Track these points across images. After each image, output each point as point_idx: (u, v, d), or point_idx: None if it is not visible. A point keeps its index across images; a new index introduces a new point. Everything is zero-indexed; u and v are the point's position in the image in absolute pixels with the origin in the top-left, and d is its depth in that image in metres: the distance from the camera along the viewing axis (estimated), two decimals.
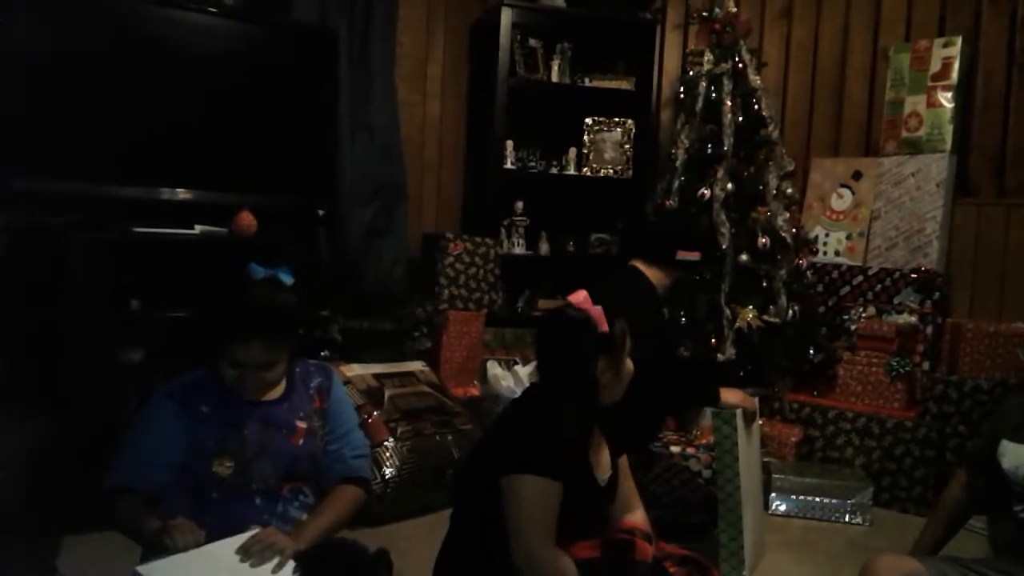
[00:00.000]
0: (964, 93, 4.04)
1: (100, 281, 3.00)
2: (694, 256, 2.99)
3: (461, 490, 1.99)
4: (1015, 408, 2.21)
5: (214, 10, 3.47)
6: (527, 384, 2.85)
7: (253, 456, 1.87)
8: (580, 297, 1.96)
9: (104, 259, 3.00)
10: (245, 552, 1.70)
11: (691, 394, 2.88)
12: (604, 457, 1.98)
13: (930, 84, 4.05)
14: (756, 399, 2.81)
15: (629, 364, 1.93)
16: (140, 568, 1.65)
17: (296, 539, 1.79)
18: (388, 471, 3.15)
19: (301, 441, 1.95)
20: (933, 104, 4.04)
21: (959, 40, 4.00)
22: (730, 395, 2.70)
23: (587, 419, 1.91)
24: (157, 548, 1.68)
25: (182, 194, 3.32)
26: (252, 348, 1.83)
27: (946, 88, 4.01)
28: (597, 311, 1.89)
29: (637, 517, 2.03)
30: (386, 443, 3.20)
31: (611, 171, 4.61)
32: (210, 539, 1.71)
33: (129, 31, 3.21)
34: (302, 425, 1.96)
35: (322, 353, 3.48)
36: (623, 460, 2.07)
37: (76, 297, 2.97)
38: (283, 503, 1.92)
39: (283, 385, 1.99)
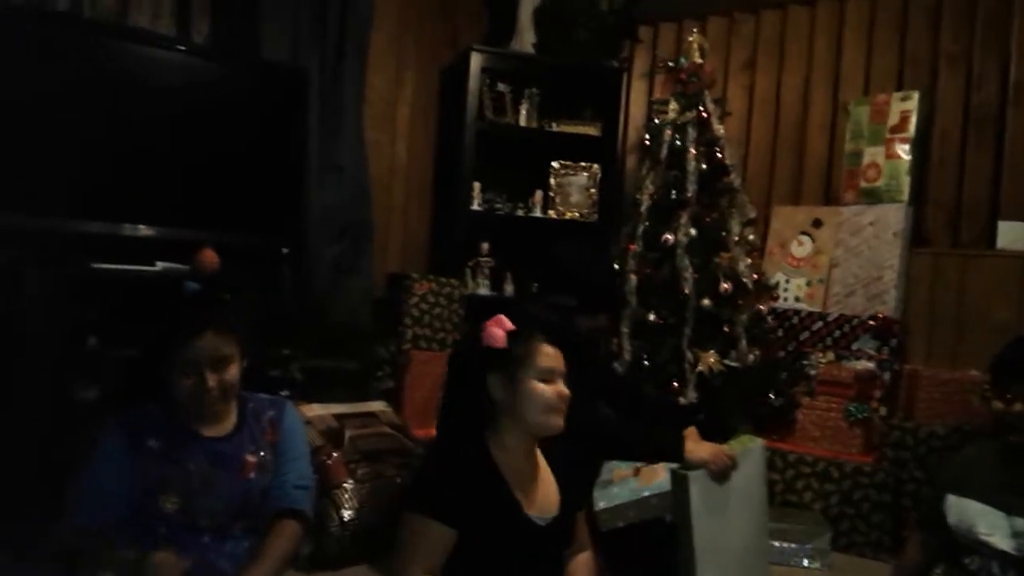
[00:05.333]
0: (921, 146, 4.14)
1: (57, 318, 2.96)
2: (567, 300, 2.75)
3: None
4: (956, 462, 2.25)
5: (183, 48, 3.48)
6: None
7: (198, 491, 1.86)
8: (493, 318, 1.93)
9: (62, 295, 2.97)
10: None
11: (650, 450, 2.67)
12: (546, 495, 1.91)
13: (888, 136, 4.15)
14: (746, 447, 2.60)
15: (536, 386, 1.85)
16: None
17: None
18: (347, 513, 3.11)
19: (252, 475, 1.94)
20: (891, 156, 4.14)
21: (916, 95, 4.11)
22: (699, 449, 2.45)
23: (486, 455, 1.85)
24: None
25: (144, 230, 3.30)
26: (204, 341, 1.85)
27: (904, 140, 4.11)
28: (493, 328, 1.87)
29: (578, 564, 2.01)
30: (345, 484, 3.17)
31: (577, 214, 4.65)
32: None
33: (97, 67, 3.20)
34: (251, 459, 1.96)
35: (282, 392, 3.45)
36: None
37: (32, 334, 2.93)
38: (233, 542, 1.90)
39: (233, 420, 1.99)
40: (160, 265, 3.28)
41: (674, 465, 2.48)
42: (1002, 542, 2.01)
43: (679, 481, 2.43)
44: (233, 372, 1.93)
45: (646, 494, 2.85)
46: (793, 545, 3.38)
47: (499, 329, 1.88)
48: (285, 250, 3.75)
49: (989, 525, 2.04)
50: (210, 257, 3.33)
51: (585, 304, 2.79)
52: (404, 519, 1.76)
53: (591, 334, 2.99)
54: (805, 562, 3.36)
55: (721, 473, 2.46)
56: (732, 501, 2.55)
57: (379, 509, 3.20)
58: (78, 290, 3.03)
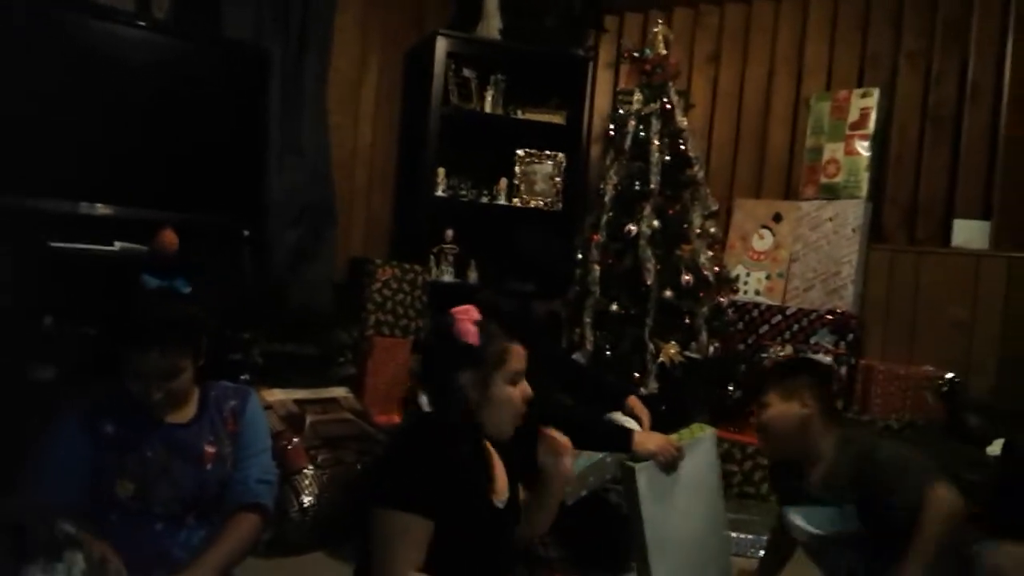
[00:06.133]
0: (880, 143, 4.21)
1: (14, 297, 2.89)
2: (525, 286, 2.82)
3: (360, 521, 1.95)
4: (783, 474, 2.36)
5: (143, 24, 3.40)
6: None
7: (154, 479, 1.83)
8: (462, 308, 1.87)
9: (19, 274, 2.89)
10: None
11: (599, 440, 2.67)
12: (501, 479, 1.92)
13: (848, 133, 4.22)
14: (696, 436, 2.63)
15: (508, 391, 1.84)
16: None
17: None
18: (307, 499, 3.08)
19: (209, 466, 1.90)
20: (851, 152, 4.20)
21: (876, 91, 4.17)
22: (647, 441, 2.45)
23: (471, 446, 1.83)
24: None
25: (102, 209, 3.23)
26: (149, 357, 1.81)
27: (863, 137, 4.18)
28: (466, 323, 1.83)
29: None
30: (305, 471, 3.13)
31: (541, 203, 4.65)
32: None
33: (55, 42, 3.11)
34: (210, 450, 1.92)
35: (242, 376, 3.40)
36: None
37: None
38: (188, 531, 1.87)
39: (194, 407, 1.95)
40: (119, 245, 3.21)
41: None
42: (837, 529, 2.14)
43: (627, 473, 2.45)
44: (184, 379, 1.89)
45: (600, 455, 2.88)
46: (750, 536, 3.42)
47: (472, 325, 1.84)
48: (246, 232, 3.69)
49: (819, 521, 2.16)
50: (170, 238, 3.27)
51: (542, 290, 2.82)
52: (379, 517, 1.72)
53: (547, 319, 3.01)
54: (762, 552, 3.40)
55: (669, 464, 2.48)
56: (682, 491, 2.58)
57: (339, 495, 3.18)
58: (35, 269, 2.95)
